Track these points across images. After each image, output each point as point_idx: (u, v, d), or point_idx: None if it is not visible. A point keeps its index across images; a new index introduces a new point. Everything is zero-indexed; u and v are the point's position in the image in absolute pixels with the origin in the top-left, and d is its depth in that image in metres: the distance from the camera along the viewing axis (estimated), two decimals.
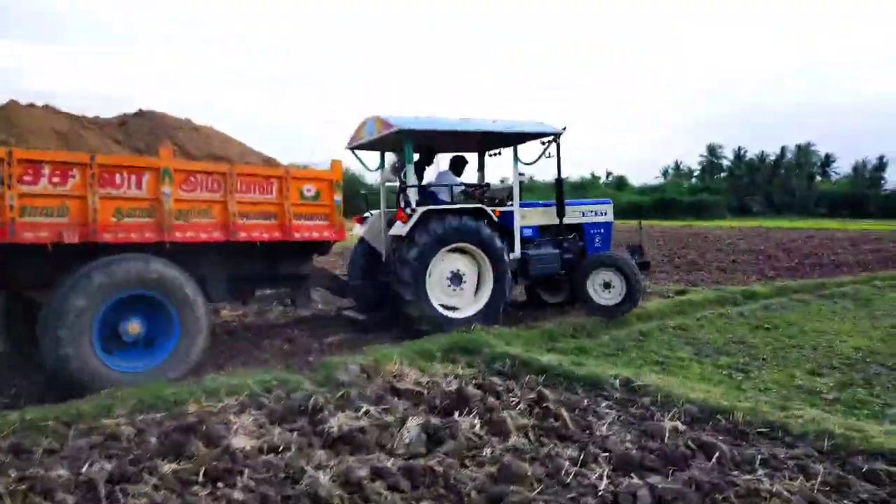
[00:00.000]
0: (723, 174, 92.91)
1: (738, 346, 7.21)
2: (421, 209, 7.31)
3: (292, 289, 7.15)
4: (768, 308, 9.55)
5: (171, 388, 4.85)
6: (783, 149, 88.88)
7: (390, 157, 9.08)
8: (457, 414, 4.57)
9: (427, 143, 8.32)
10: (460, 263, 7.70)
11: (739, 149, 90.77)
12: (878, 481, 3.56)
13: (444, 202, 8.03)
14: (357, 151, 8.56)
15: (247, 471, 3.58)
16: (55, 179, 5.05)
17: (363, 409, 4.65)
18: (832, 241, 25.81)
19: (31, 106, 6.15)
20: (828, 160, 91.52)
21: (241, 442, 4.01)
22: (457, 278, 7.69)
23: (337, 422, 4.33)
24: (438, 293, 7.54)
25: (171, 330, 5.65)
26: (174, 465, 3.63)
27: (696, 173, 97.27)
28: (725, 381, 5.83)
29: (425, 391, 5.15)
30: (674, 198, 62.98)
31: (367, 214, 8.60)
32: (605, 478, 3.54)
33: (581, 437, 4.24)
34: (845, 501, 3.35)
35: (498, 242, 7.73)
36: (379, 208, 8.62)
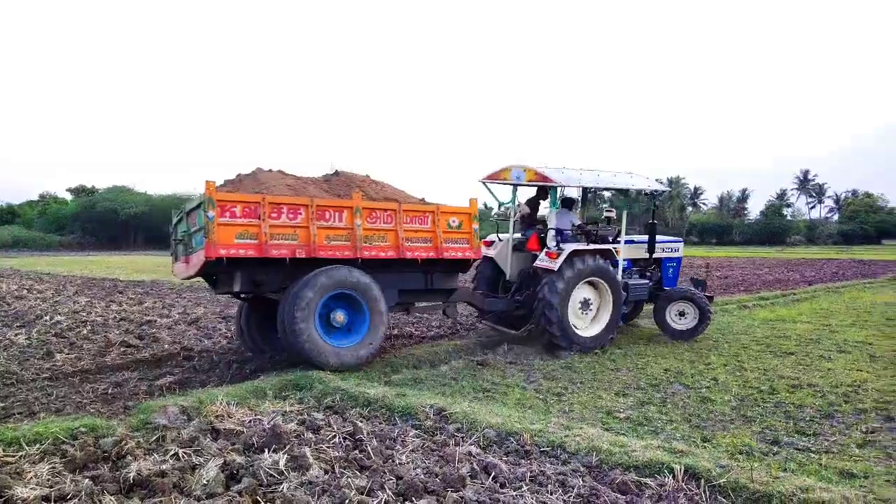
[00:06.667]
0: (604, 205, 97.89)
1: (564, 372, 7.75)
2: (569, 248, 8.95)
3: (443, 301, 8.83)
4: None
5: None
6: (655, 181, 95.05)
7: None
8: (266, 451, 4.69)
9: (543, 187, 9.96)
10: (587, 292, 9.32)
11: None
12: (626, 491, 4.02)
13: (566, 237, 9.52)
14: (489, 185, 10.07)
15: None
16: (290, 215, 7.12)
17: (171, 452, 4.69)
18: (689, 269, 27.94)
19: (270, 170, 8.10)
20: (696, 192, 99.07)
21: (26, 492, 3.94)
22: (586, 304, 9.28)
23: (137, 466, 4.34)
24: (572, 316, 9.04)
25: (363, 319, 7.60)
26: None
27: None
28: (538, 404, 6.27)
29: (245, 430, 5.22)
30: None
31: (492, 238, 10.16)
32: None
33: (380, 465, 4.47)
34: None
35: (618, 277, 9.46)
36: (507, 234, 10.21)
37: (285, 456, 4.54)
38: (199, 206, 6.92)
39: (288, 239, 7.06)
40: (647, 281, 10.36)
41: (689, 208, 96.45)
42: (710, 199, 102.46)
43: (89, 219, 57.64)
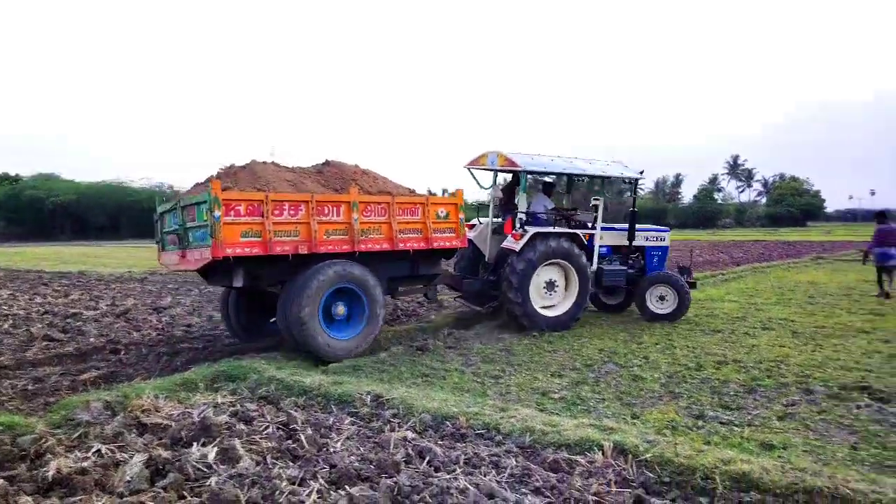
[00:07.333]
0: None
1: (502, 355, 7.82)
2: (532, 231, 9.23)
3: (425, 285, 9.13)
4: None
5: None
6: None
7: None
8: (195, 445, 4.56)
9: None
10: (554, 274, 9.59)
11: None
12: (558, 469, 4.09)
13: (540, 220, 9.91)
14: (472, 171, 10.36)
15: None
16: (292, 211, 7.17)
17: (94, 449, 4.50)
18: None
19: (264, 162, 8.02)
20: (627, 182, 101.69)
21: None
22: (550, 285, 9.55)
23: (57, 465, 4.14)
24: (535, 296, 9.32)
25: (362, 311, 7.81)
26: None
27: None
28: (476, 387, 6.31)
29: (173, 424, 5.06)
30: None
31: (474, 222, 10.46)
32: (315, 493, 3.74)
33: (314, 455, 4.41)
34: (523, 489, 3.81)
35: (585, 260, 9.67)
36: (486, 218, 10.62)
37: (215, 449, 4.42)
38: (200, 202, 6.92)
39: (290, 235, 7.16)
40: (624, 267, 10.52)
41: (627, 193, 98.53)
42: (646, 183, 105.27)
43: (14, 208, 54.90)
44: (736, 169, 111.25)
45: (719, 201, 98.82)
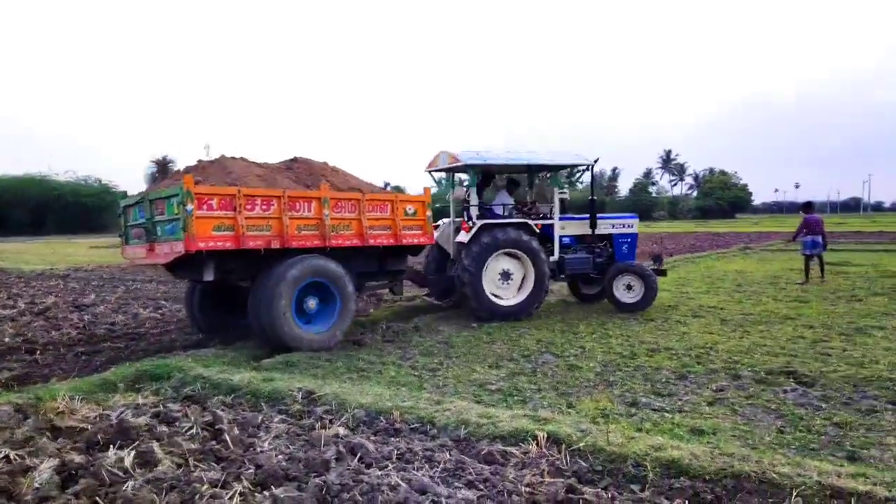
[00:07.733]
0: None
1: (441, 347, 7.75)
2: (480, 222, 9.53)
3: (390, 281, 9.23)
4: None
5: None
6: None
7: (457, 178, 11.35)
8: (112, 448, 4.30)
9: (487, 170, 10.46)
10: (509, 264, 9.77)
11: None
12: (492, 461, 4.02)
13: (499, 216, 10.09)
14: (433, 174, 10.67)
15: None
16: (264, 207, 7.23)
17: (2, 455, 4.19)
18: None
19: (234, 158, 8.05)
20: (572, 171, 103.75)
21: None
22: (506, 275, 9.76)
23: None
24: (491, 286, 9.61)
25: (334, 306, 7.89)
26: None
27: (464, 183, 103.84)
28: (413, 381, 6.21)
29: (89, 427, 4.77)
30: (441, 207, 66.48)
31: (438, 223, 10.48)
32: (237, 496, 3.56)
33: (239, 455, 4.21)
34: (456, 483, 3.73)
35: (538, 249, 9.73)
36: (449, 218, 10.67)
37: (132, 452, 4.17)
38: (170, 196, 6.94)
39: (262, 230, 7.23)
40: (589, 256, 10.53)
41: (566, 186, 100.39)
42: (584, 177, 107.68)
43: None
44: (669, 163, 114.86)
45: (653, 194, 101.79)
